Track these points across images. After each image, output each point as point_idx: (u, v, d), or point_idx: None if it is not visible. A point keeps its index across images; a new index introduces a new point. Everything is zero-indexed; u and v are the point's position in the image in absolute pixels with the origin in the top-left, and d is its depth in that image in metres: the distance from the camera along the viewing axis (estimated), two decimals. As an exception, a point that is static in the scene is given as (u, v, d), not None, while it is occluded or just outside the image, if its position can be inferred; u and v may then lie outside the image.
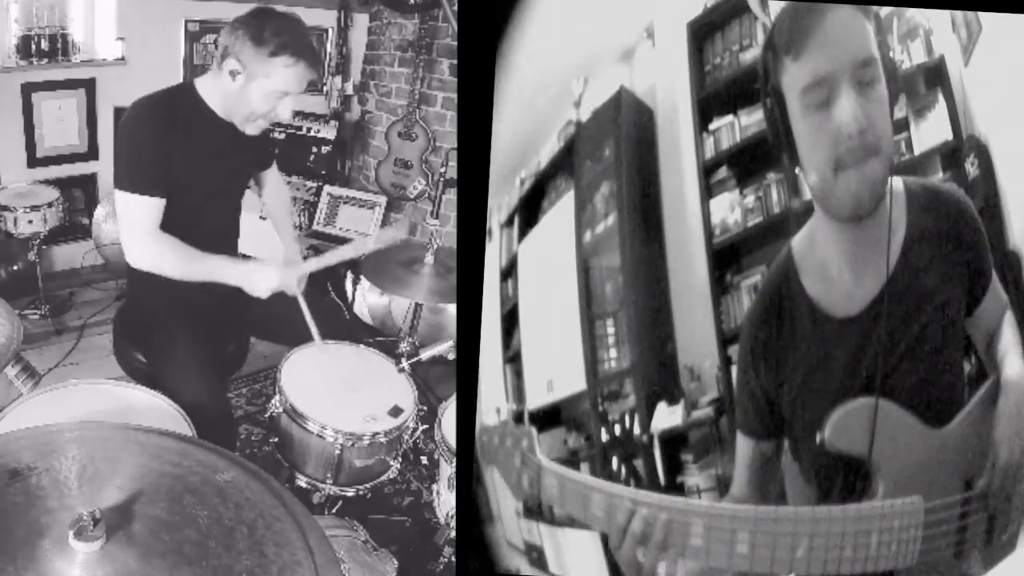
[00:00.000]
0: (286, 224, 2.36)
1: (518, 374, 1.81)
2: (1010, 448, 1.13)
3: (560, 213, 1.78)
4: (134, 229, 1.87)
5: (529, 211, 1.87)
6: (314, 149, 3.97)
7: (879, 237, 1.16)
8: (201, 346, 1.98)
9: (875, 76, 1.10)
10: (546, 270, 1.82)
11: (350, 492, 1.95)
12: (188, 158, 1.89)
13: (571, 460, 1.72)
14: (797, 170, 1.18)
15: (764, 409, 1.27)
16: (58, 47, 3.33)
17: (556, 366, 1.77)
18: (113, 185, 1.87)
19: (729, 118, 1.57)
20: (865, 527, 1.08)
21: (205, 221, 2.02)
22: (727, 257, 1.59)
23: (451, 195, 2.94)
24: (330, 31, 4.01)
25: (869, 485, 1.14)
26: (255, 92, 1.87)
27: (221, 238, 2.14)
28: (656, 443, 1.59)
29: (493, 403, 1.74)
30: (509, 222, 1.90)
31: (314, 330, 2.03)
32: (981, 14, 1.29)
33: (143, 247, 1.88)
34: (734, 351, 1.49)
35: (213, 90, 1.94)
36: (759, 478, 1.31)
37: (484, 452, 1.24)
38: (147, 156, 1.85)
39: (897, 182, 1.21)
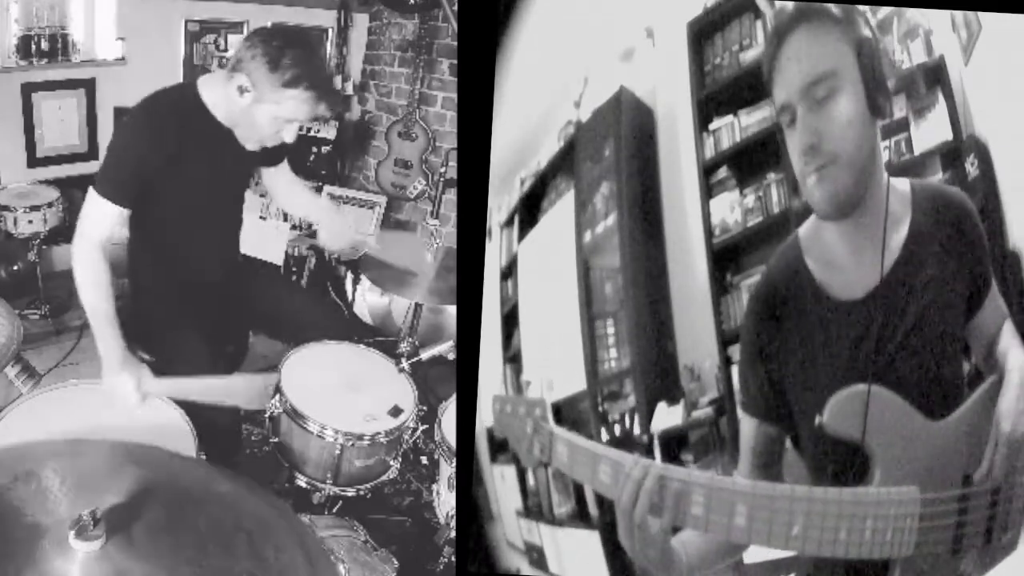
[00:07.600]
0: (314, 203, 2.35)
1: (518, 374, 1.81)
2: (1014, 423, 1.15)
3: (560, 213, 1.78)
4: (84, 230, 1.81)
5: (529, 211, 1.87)
6: (314, 149, 3.97)
7: (877, 231, 1.21)
8: (201, 345, 1.98)
9: (831, 90, 1.17)
10: (546, 270, 1.82)
11: (350, 492, 1.95)
12: (183, 165, 1.86)
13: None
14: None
15: (768, 390, 1.28)
16: (58, 47, 3.32)
17: (556, 366, 1.77)
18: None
19: (729, 118, 1.57)
20: (860, 512, 1.09)
21: (204, 225, 2.02)
22: (727, 257, 1.58)
23: (451, 195, 2.95)
24: (330, 31, 4.01)
25: (866, 471, 1.16)
26: (262, 115, 1.83)
27: (220, 240, 2.14)
28: (656, 443, 1.59)
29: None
30: (509, 222, 1.89)
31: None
32: (981, 14, 1.29)
33: (80, 252, 1.80)
34: (734, 351, 1.50)
35: (217, 96, 1.88)
36: (762, 460, 1.33)
37: (496, 420, 1.26)
38: (127, 165, 1.81)
39: (904, 183, 1.24)
